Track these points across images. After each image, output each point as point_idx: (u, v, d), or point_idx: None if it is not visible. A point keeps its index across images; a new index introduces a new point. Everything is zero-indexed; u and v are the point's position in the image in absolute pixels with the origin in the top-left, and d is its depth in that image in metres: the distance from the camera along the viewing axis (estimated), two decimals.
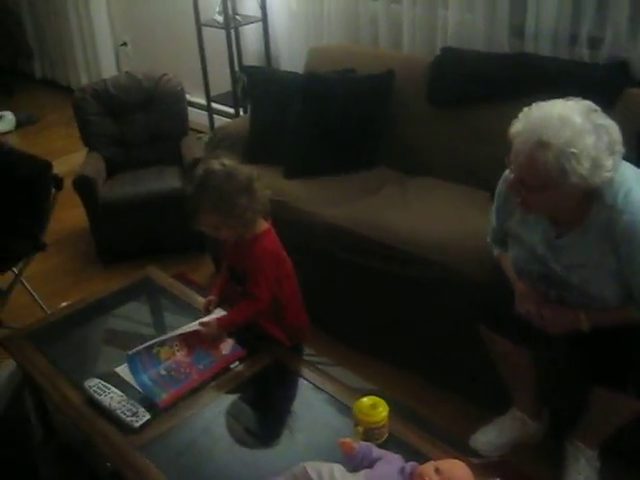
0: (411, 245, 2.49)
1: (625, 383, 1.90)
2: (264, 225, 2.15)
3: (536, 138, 1.71)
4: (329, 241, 2.71)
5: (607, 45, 2.76)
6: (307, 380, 2.05)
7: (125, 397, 1.96)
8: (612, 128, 1.74)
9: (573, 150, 1.68)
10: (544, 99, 2.67)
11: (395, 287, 2.57)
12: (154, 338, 2.12)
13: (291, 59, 3.92)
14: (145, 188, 3.48)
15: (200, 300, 2.38)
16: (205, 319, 2.15)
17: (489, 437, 2.28)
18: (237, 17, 4.03)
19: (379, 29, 3.45)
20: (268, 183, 2.88)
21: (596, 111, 1.75)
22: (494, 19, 3.04)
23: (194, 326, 2.12)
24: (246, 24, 4.07)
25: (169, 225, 3.47)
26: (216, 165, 2.07)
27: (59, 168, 3.01)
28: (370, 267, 2.60)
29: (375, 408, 1.73)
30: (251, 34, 4.23)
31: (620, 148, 1.75)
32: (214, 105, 4.42)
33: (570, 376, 2.20)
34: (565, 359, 2.15)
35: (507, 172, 2.02)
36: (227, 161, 2.11)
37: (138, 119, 3.74)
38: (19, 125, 5.49)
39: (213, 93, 4.36)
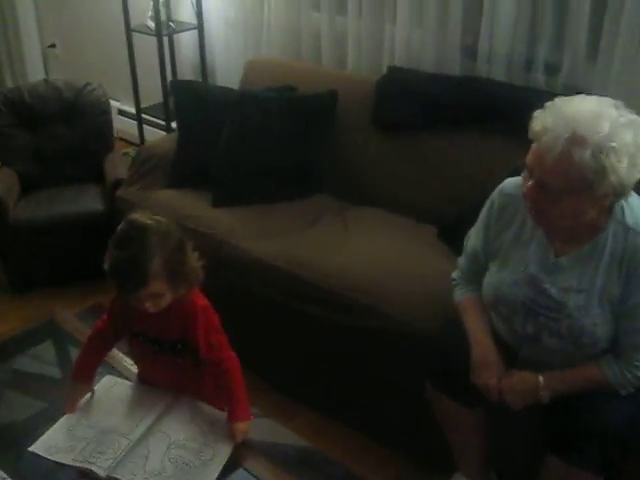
0: (347, 289, 2.24)
1: (583, 455, 1.69)
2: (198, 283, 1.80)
3: (570, 133, 1.50)
4: (258, 279, 2.43)
5: (564, 72, 2.58)
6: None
7: None
8: None
9: (612, 145, 1.49)
10: (497, 128, 2.54)
11: (331, 334, 2.32)
12: None
13: (228, 71, 3.64)
14: (62, 209, 3.16)
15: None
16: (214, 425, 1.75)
17: None
18: (171, 24, 3.72)
19: (322, 43, 3.20)
20: (193, 211, 2.67)
21: (622, 106, 1.58)
22: (445, 37, 2.82)
23: (226, 452, 1.70)
24: (180, 31, 3.77)
25: (88, 250, 3.14)
26: (145, 219, 1.66)
27: None
28: (302, 311, 2.33)
29: None
30: (187, 43, 3.93)
31: None
32: (147, 116, 4.11)
33: (522, 441, 1.98)
34: (518, 423, 1.93)
35: (506, 181, 1.83)
36: (150, 213, 1.72)
37: (57, 132, 3.39)
38: None
39: (145, 104, 4.04)
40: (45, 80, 3.52)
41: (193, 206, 2.71)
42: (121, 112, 4.59)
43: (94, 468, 1.61)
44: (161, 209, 2.50)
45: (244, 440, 1.73)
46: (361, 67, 3.10)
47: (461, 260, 2.00)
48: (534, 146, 1.59)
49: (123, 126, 4.58)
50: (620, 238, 1.64)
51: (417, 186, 2.71)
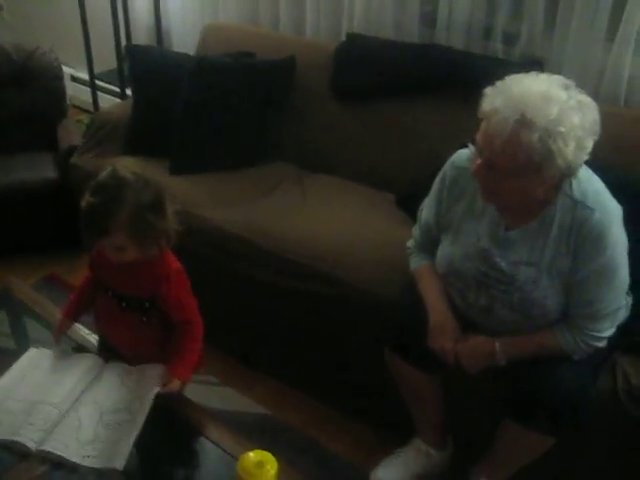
0: (306, 257, 2.24)
1: (537, 418, 1.73)
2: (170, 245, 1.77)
3: (518, 116, 1.50)
4: (217, 248, 2.41)
5: (522, 41, 2.59)
6: (188, 423, 1.74)
7: None
8: (592, 105, 1.57)
9: (560, 129, 1.49)
10: (456, 96, 2.54)
11: (289, 301, 2.31)
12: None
13: (184, 36, 3.55)
14: (13, 177, 3.05)
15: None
16: (156, 377, 1.71)
17: (391, 473, 2.08)
18: None
19: (280, 8, 3.14)
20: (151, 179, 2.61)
21: (572, 86, 1.58)
22: (404, 4, 2.80)
23: (152, 392, 1.67)
24: None
25: (41, 220, 3.09)
26: (127, 173, 1.66)
27: None
28: (261, 278, 2.32)
29: (261, 467, 1.47)
30: (142, 5, 3.82)
31: (598, 128, 1.56)
32: (101, 83, 3.99)
33: (477, 406, 2.02)
34: (476, 389, 1.97)
35: (456, 155, 1.83)
36: (136, 170, 1.73)
37: (6, 97, 3.25)
38: None
39: (99, 69, 3.92)
40: None
41: (149, 173, 2.51)
42: (74, 78, 4.45)
43: (23, 440, 1.56)
44: None
45: (173, 393, 1.70)
46: (320, 33, 3.06)
47: (415, 230, 2.01)
48: (483, 125, 1.59)
49: (76, 93, 4.44)
50: (568, 211, 1.65)
51: (376, 154, 2.70)
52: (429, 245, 1.97)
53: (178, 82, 2.72)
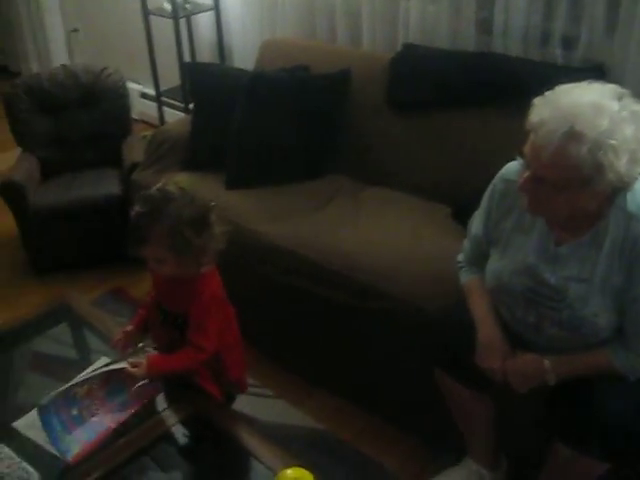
0: (358, 272, 2.22)
1: (588, 442, 1.65)
2: (210, 265, 1.83)
3: (567, 128, 1.43)
4: (270, 262, 2.42)
5: (582, 46, 2.50)
6: (232, 439, 1.75)
7: (17, 460, 1.68)
8: None
9: (611, 142, 1.42)
10: (513, 105, 2.45)
11: (342, 316, 2.30)
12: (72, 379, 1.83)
13: (245, 52, 3.61)
14: (80, 194, 3.18)
15: None
16: (135, 359, 1.81)
17: None
18: (187, 5, 3.70)
19: (337, 21, 3.15)
20: (206, 194, 2.66)
21: (626, 96, 1.50)
22: (459, 12, 2.75)
23: (121, 363, 1.79)
24: (197, 13, 3.75)
25: (107, 234, 3.19)
26: (174, 188, 1.74)
27: None
28: (313, 293, 2.32)
29: None
30: (205, 24, 3.91)
31: None
32: (167, 99, 4.11)
33: (528, 426, 1.95)
34: (527, 409, 1.90)
35: (506, 168, 1.77)
36: (184, 186, 1.79)
37: (76, 117, 3.41)
38: None
39: (166, 86, 4.04)
40: (63, 66, 3.53)
41: (206, 189, 2.69)
42: (143, 95, 4.61)
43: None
44: None
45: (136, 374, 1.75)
46: (376, 44, 3.05)
47: (466, 243, 1.96)
48: (531, 137, 1.52)
49: (145, 109, 4.60)
50: (622, 225, 1.57)
51: (432, 166, 2.66)
52: (479, 259, 1.91)
53: (235, 98, 2.76)
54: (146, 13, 3.72)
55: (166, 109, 4.18)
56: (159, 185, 1.75)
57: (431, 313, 2.06)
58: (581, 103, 1.46)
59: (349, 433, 2.34)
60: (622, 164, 1.44)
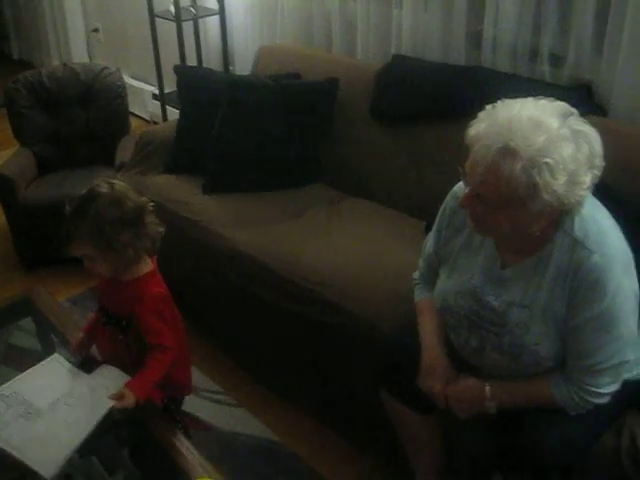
0: (315, 284, 2.18)
1: (521, 473, 1.59)
2: (149, 265, 1.82)
3: (501, 144, 1.37)
4: (230, 267, 2.40)
5: (570, 63, 2.42)
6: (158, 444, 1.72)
7: None
8: (592, 136, 1.42)
9: (547, 160, 1.35)
10: None
11: (298, 327, 2.26)
12: None
13: (246, 57, 3.60)
14: (70, 191, 3.13)
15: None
16: (113, 390, 1.72)
17: None
18: (192, 9, 3.71)
19: (333, 30, 3.12)
20: (182, 197, 2.67)
21: (573, 114, 1.43)
22: (450, 24, 2.69)
23: (105, 405, 1.68)
24: (201, 17, 3.75)
25: None
26: (103, 188, 1.74)
27: None
28: (270, 301, 2.29)
29: None
30: (212, 28, 3.92)
31: (600, 162, 1.42)
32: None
33: (471, 451, 1.88)
34: (468, 435, 1.83)
35: (458, 185, 1.69)
36: (119, 186, 1.78)
37: (74, 114, 3.44)
38: None
39: (172, 88, 4.05)
40: (64, 63, 3.57)
41: (184, 191, 2.70)
42: (154, 96, 4.62)
43: None
44: (152, 193, 2.48)
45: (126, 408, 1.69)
46: (369, 54, 3.01)
47: (420, 261, 1.90)
48: (470, 153, 1.46)
49: (156, 110, 4.61)
50: (567, 251, 1.49)
51: (411, 179, 2.61)
52: (432, 277, 1.85)
53: (219, 102, 2.75)
54: (152, 15, 3.74)
55: (174, 111, 4.18)
56: (92, 184, 1.75)
57: (384, 331, 2.00)
58: (519, 118, 1.40)
59: (306, 448, 2.29)
60: (559, 184, 1.37)
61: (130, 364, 1.82)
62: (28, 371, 1.87)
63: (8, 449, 1.58)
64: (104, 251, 1.70)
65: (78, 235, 1.69)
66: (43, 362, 1.91)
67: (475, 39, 2.67)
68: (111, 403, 1.67)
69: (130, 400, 1.68)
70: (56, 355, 1.94)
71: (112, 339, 1.86)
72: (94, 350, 1.98)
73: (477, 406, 1.66)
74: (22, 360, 2.07)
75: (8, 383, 1.80)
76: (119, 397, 1.68)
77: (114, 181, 1.80)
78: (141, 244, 1.73)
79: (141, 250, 1.74)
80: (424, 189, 2.58)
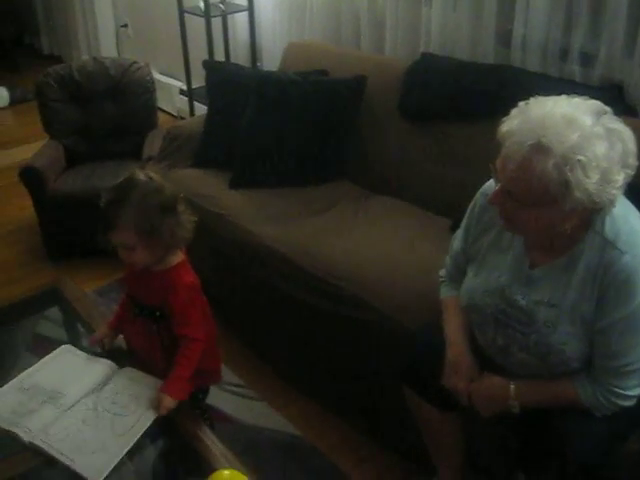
0: (341, 280, 2.18)
1: (543, 474, 1.58)
2: (180, 256, 1.83)
3: (533, 141, 1.36)
4: (259, 262, 2.41)
5: (600, 63, 2.40)
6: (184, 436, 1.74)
7: None
8: (626, 135, 1.40)
9: (580, 158, 1.34)
10: None
11: (323, 323, 2.26)
12: None
13: (274, 54, 3.61)
14: (98, 183, 3.22)
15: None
16: (147, 395, 1.74)
17: None
18: (221, 5, 3.74)
19: (361, 27, 3.12)
20: (209, 191, 2.68)
21: (607, 113, 1.42)
22: (480, 23, 2.68)
23: (148, 416, 1.69)
24: (230, 13, 3.78)
25: None
26: (141, 176, 1.76)
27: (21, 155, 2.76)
28: (296, 296, 2.29)
29: None
30: (241, 24, 3.94)
31: (634, 161, 1.41)
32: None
33: (495, 450, 1.87)
34: (493, 434, 1.82)
35: (487, 183, 1.69)
36: (154, 175, 1.80)
37: (104, 108, 3.49)
38: (13, 102, 5.32)
39: (200, 84, 4.08)
40: (94, 58, 3.62)
41: (211, 186, 2.72)
42: (182, 92, 4.66)
43: (19, 432, 1.63)
44: (179, 187, 2.50)
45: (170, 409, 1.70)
46: (397, 52, 3.00)
47: (447, 259, 1.90)
48: (502, 149, 1.45)
49: (184, 105, 4.65)
50: (597, 251, 1.48)
51: (438, 177, 2.60)
52: (459, 275, 1.84)
53: (248, 98, 2.76)
54: (181, 11, 3.76)
55: (201, 106, 4.21)
56: (127, 174, 1.76)
57: (408, 328, 2.00)
58: (552, 115, 1.39)
59: (326, 443, 2.29)
60: (591, 182, 1.35)
61: (161, 356, 1.84)
62: (40, 362, 1.89)
63: (54, 454, 1.60)
64: (146, 238, 1.69)
65: (122, 222, 1.67)
66: (53, 353, 1.94)
67: (504, 38, 2.66)
68: (156, 414, 1.69)
69: (171, 405, 1.70)
70: (67, 346, 1.97)
71: (144, 330, 1.87)
72: (120, 340, 2.00)
73: (501, 404, 1.65)
74: (48, 349, 2.10)
75: (23, 374, 1.83)
76: (159, 403, 1.69)
77: (148, 171, 1.82)
78: (180, 232, 1.74)
79: (179, 238, 1.75)
80: (451, 187, 2.57)
